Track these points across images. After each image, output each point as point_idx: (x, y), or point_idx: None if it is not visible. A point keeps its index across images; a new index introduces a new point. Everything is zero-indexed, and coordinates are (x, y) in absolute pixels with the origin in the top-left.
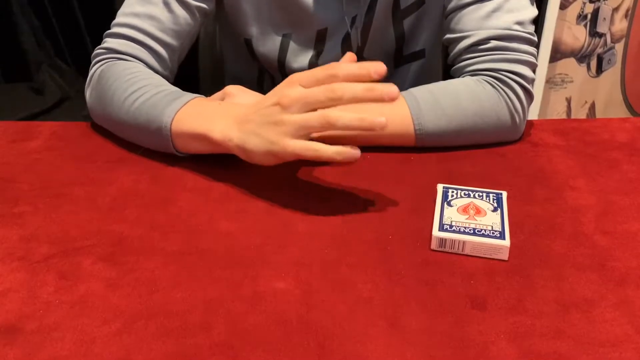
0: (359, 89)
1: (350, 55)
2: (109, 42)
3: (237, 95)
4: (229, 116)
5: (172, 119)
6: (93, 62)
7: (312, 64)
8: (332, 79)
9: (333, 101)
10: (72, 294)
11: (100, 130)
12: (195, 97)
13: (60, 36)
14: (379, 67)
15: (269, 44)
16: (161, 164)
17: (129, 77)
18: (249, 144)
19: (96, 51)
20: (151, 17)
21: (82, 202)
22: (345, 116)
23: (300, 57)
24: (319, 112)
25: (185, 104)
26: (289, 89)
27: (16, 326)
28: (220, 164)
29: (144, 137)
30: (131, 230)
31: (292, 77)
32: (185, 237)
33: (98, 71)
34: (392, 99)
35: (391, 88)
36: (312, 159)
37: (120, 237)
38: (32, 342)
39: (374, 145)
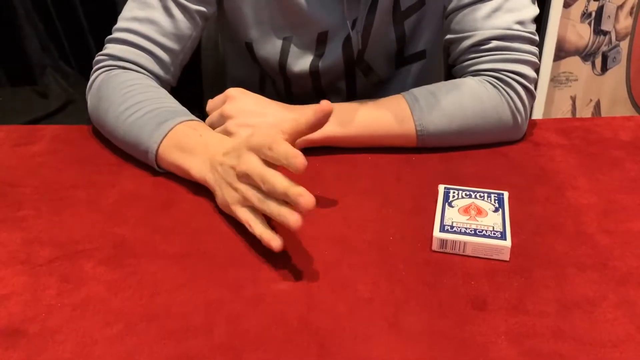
0: (285, 188)
1: (325, 105)
2: (109, 48)
3: (239, 98)
4: (205, 154)
5: (158, 146)
6: (94, 69)
7: (313, 67)
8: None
9: (269, 193)
10: (74, 297)
11: (102, 134)
12: (182, 122)
13: (64, 40)
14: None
15: (269, 48)
16: None
17: (125, 92)
18: (217, 192)
19: (97, 57)
20: (151, 22)
21: (84, 205)
22: (274, 210)
23: (301, 60)
24: (259, 198)
25: (170, 131)
26: (247, 157)
27: (19, 329)
28: None
29: (134, 154)
30: (133, 233)
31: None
32: (186, 240)
33: (98, 80)
34: (305, 209)
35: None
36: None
37: (122, 240)
38: (35, 345)
39: (375, 146)
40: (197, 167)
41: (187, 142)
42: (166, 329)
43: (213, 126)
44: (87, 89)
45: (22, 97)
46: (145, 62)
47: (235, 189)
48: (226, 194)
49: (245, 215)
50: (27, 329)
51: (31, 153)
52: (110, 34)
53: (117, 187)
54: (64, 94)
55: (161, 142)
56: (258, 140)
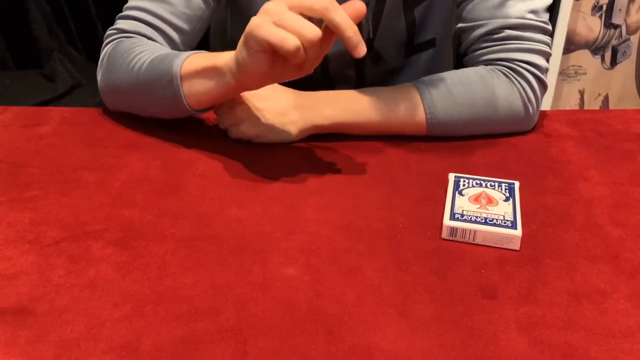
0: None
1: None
2: (120, 24)
3: None
4: (229, 53)
5: (181, 67)
6: (104, 44)
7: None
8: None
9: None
10: (82, 277)
11: (111, 115)
12: (199, 52)
13: (71, 23)
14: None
15: None
16: (171, 150)
17: (135, 48)
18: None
19: (108, 32)
20: (163, 0)
21: (93, 187)
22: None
23: None
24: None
25: (189, 56)
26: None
27: (27, 308)
28: (230, 150)
29: (156, 95)
30: (141, 216)
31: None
32: (194, 223)
33: (108, 51)
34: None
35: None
36: (266, 37)
37: (130, 222)
38: (43, 324)
39: (385, 134)
40: (223, 56)
41: (209, 56)
42: (173, 311)
43: (222, 111)
44: (98, 66)
45: (29, 81)
46: (155, 38)
47: (268, 10)
48: (254, 19)
49: (277, 30)
50: (35, 309)
51: (39, 134)
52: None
53: (125, 170)
54: (71, 78)
55: (183, 64)
56: None
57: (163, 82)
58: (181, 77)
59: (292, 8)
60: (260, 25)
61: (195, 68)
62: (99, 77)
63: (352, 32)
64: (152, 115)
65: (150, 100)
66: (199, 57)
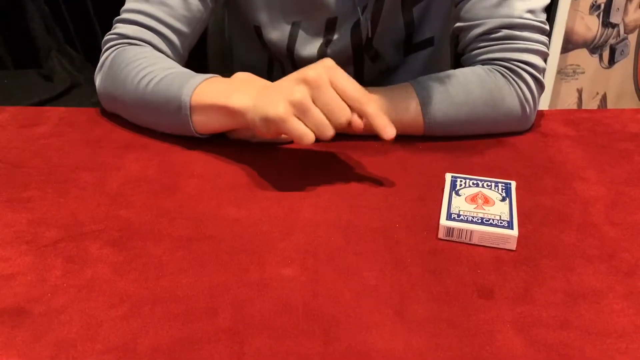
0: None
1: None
2: (119, 28)
3: None
4: (251, 87)
5: (191, 96)
6: (104, 49)
7: (321, 53)
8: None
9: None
10: (79, 278)
11: (109, 116)
12: (212, 76)
13: (69, 23)
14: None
15: (278, 32)
16: (169, 150)
17: (140, 61)
18: (257, 107)
19: (107, 37)
20: (162, 3)
21: (90, 187)
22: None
23: (309, 45)
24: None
25: (203, 81)
26: (315, 71)
27: (24, 309)
28: (228, 151)
29: (162, 118)
30: (138, 216)
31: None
32: (192, 224)
33: (110, 57)
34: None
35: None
36: (286, 130)
37: (127, 223)
38: (40, 324)
39: None
40: (238, 98)
41: (224, 84)
42: (171, 312)
43: None
44: (97, 70)
45: (27, 80)
46: (155, 43)
47: (293, 92)
48: (280, 107)
49: (299, 125)
50: (32, 309)
51: (37, 135)
52: (117, 16)
53: (123, 171)
54: (69, 77)
55: (193, 92)
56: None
57: (170, 107)
58: (191, 108)
59: (333, 86)
60: (285, 120)
61: (206, 103)
62: (97, 81)
63: (381, 121)
64: (151, 128)
65: (154, 120)
66: (210, 89)
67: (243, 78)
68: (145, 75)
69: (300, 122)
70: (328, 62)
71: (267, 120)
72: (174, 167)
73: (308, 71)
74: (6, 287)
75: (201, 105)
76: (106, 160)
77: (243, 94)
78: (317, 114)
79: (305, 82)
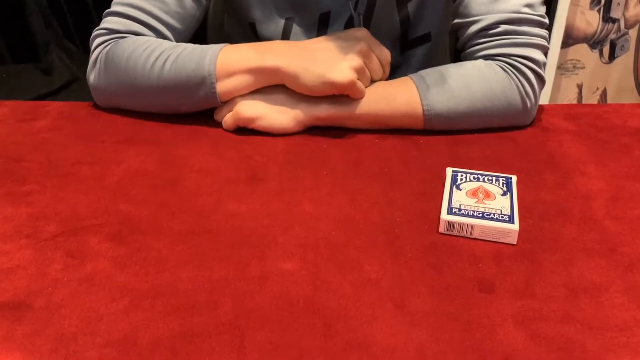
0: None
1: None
2: (109, 22)
3: None
4: (280, 46)
5: (215, 65)
6: (95, 44)
7: None
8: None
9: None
10: (79, 272)
11: (108, 110)
12: (224, 45)
13: (68, 17)
14: None
15: (272, 28)
16: (169, 144)
17: (145, 47)
18: (310, 69)
19: (96, 32)
20: None
21: (90, 181)
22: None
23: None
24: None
25: (221, 50)
26: (364, 42)
27: (24, 303)
28: (229, 145)
29: (183, 95)
30: (138, 210)
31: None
32: (192, 218)
33: (103, 53)
34: None
35: None
36: (351, 92)
37: (127, 217)
38: (40, 318)
39: (382, 127)
40: (271, 57)
41: (246, 49)
42: (171, 305)
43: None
44: (89, 67)
45: (26, 75)
46: (148, 35)
47: (354, 59)
48: (347, 72)
49: (360, 86)
50: (33, 303)
51: (36, 129)
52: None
53: (123, 165)
54: (68, 72)
55: (217, 61)
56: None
57: (193, 82)
58: (217, 77)
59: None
60: (354, 82)
61: (236, 68)
62: (91, 78)
63: None
64: (159, 112)
65: (174, 99)
66: (233, 57)
67: (259, 43)
68: (158, 57)
69: (361, 83)
70: (364, 32)
71: (333, 84)
72: (174, 161)
73: (357, 43)
74: (6, 281)
75: (229, 72)
76: (106, 154)
77: (275, 52)
78: (368, 74)
79: (359, 52)
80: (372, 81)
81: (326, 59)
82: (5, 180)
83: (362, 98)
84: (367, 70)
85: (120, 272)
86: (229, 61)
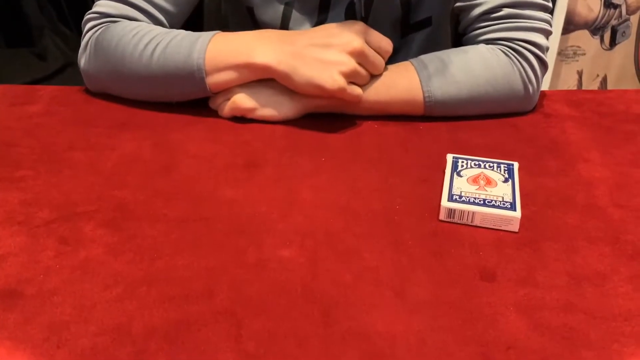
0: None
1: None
2: (101, 5)
3: None
4: (270, 40)
5: (204, 59)
6: (86, 28)
7: None
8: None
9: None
10: (72, 259)
11: (102, 95)
12: (215, 33)
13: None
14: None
15: (270, 13)
16: (164, 130)
17: (134, 32)
18: (299, 70)
19: (87, 15)
20: None
21: (84, 167)
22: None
23: (302, 26)
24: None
25: (210, 41)
26: (358, 40)
27: (16, 290)
28: (225, 130)
29: (172, 85)
30: (133, 196)
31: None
32: (188, 204)
33: (94, 37)
34: None
35: None
36: (342, 97)
37: (122, 203)
38: (32, 306)
39: (383, 114)
40: (261, 53)
41: (236, 40)
42: (166, 293)
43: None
44: (80, 51)
45: (20, 59)
46: (141, 20)
47: (345, 64)
48: (336, 79)
49: (352, 91)
50: (24, 290)
51: (29, 113)
52: None
53: (117, 151)
54: (63, 56)
55: (205, 54)
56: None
57: (182, 73)
58: (206, 71)
59: (369, 44)
60: (343, 89)
61: (224, 64)
62: (82, 62)
63: None
64: (150, 100)
65: (162, 89)
66: (223, 48)
67: (251, 33)
68: (147, 44)
69: (353, 86)
70: (360, 27)
71: (321, 89)
72: (169, 146)
73: (350, 42)
74: None
75: (218, 67)
76: (100, 140)
77: (265, 48)
78: (364, 73)
79: (352, 53)
80: (374, 72)
81: (316, 60)
82: None
83: (358, 102)
84: (361, 71)
85: (115, 259)
86: (219, 55)
